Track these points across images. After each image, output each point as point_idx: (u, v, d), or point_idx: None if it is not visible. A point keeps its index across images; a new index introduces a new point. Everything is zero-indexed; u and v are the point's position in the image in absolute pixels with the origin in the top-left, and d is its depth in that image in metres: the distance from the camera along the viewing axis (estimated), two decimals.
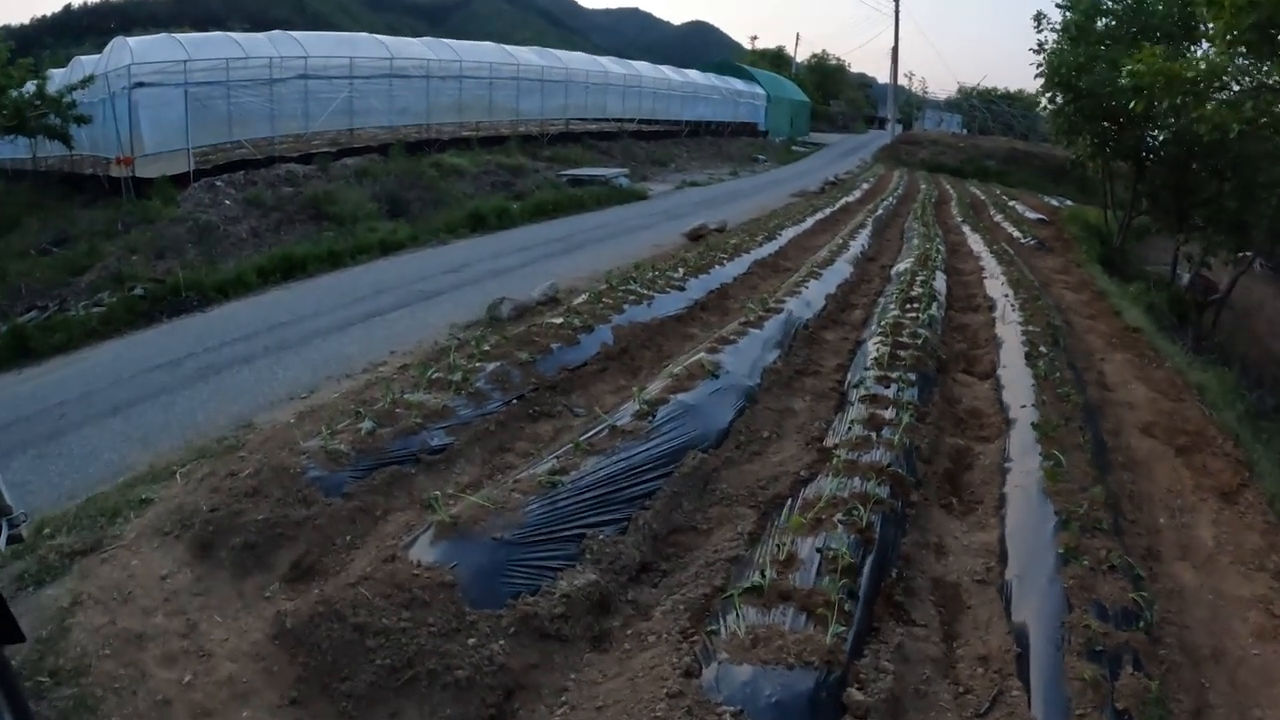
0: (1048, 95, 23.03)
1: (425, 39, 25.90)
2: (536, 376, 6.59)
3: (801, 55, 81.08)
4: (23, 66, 16.29)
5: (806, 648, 3.39)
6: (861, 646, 3.73)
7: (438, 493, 4.07)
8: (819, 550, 4.19)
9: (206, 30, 27.18)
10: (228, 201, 15.76)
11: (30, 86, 16.16)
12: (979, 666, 3.98)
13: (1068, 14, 21.31)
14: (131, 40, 18.00)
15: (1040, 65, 22.11)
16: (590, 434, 5.20)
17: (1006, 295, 11.69)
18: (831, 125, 67.87)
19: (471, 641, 3.43)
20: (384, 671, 3.30)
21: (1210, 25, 19.19)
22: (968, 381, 8.50)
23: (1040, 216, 26.11)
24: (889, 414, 6.32)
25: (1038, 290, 12.59)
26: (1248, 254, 19.70)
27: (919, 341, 8.31)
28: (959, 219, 22.38)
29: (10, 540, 3.10)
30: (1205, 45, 19.17)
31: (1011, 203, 29.68)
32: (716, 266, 11.43)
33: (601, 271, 12.34)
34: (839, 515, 4.57)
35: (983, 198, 31.03)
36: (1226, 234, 18.96)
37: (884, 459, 5.45)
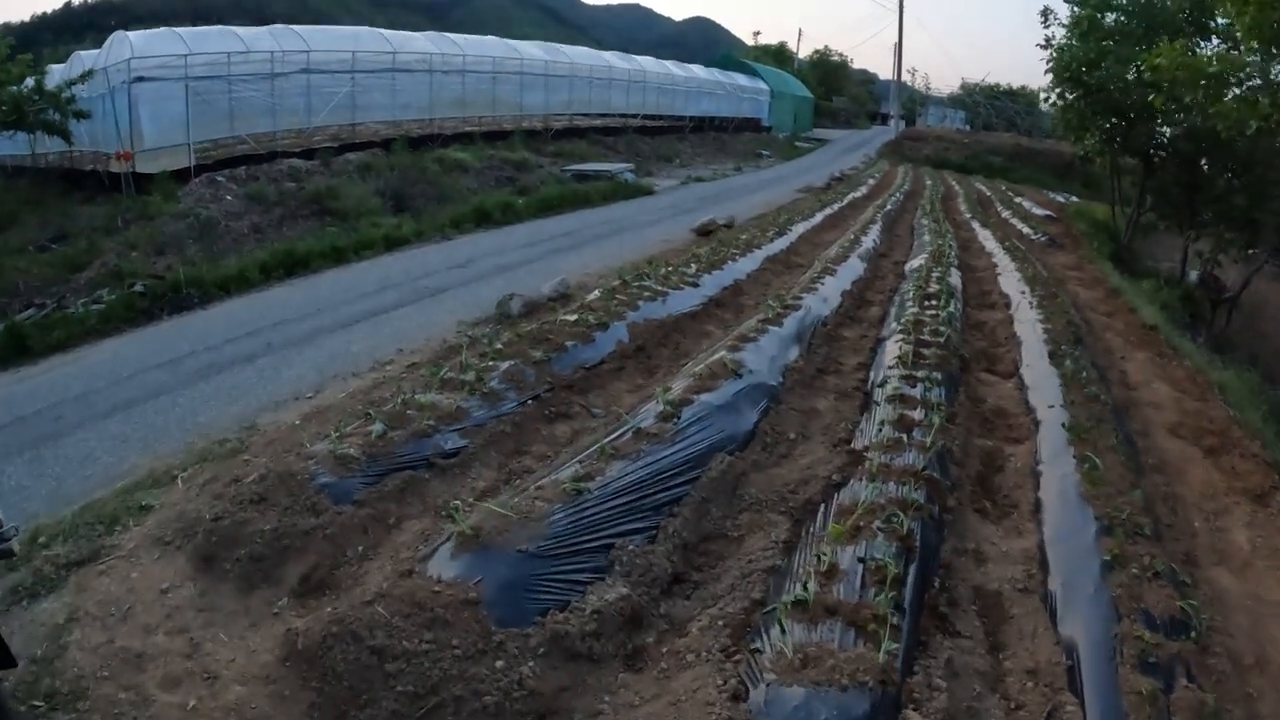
0: (1056, 91, 22.83)
1: (428, 33, 25.60)
2: (552, 376, 6.35)
3: (804, 51, 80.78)
4: (22, 62, 16.02)
5: (859, 667, 3.17)
6: (912, 663, 3.53)
7: (457, 502, 3.82)
8: (861, 560, 3.99)
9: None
10: (229, 197, 15.49)
11: (29, 82, 15.88)
12: (1029, 680, 3.80)
13: (1076, 9, 21.09)
14: (131, 34, 17.72)
15: (1049, 60, 21.94)
16: (613, 437, 4.95)
17: (1023, 292, 11.50)
18: (834, 121, 67.51)
19: (499, 664, 3.19)
20: (406, 699, 3.05)
21: (1224, 21, 19.10)
22: (991, 380, 8.28)
23: (1048, 213, 25.88)
24: (917, 415, 6.10)
25: (1055, 287, 12.39)
26: (1258, 252, 19.50)
27: (941, 340, 8.07)
28: (968, 215, 22.17)
29: (0, 555, 2.86)
30: (1216, 41, 19.03)
31: (1018, 199, 29.45)
32: (729, 262, 11.20)
33: (611, 267, 12.13)
34: (878, 522, 4.36)
35: (989, 194, 30.84)
36: (1237, 231, 18.76)
37: (918, 462, 5.24)
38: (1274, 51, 12.23)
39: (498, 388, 5.88)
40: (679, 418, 5.22)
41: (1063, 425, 6.36)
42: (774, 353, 7.11)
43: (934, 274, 11.44)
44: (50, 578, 4.09)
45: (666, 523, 4.27)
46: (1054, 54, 21.84)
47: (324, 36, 21.32)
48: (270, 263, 12.44)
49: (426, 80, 23.19)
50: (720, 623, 3.61)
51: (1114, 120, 21.61)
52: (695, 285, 9.57)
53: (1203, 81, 12.94)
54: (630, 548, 3.94)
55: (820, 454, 5.76)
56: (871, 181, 29.13)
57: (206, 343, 9.05)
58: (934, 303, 9.67)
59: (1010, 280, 12.67)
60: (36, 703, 3.21)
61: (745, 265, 11.48)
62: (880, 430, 5.76)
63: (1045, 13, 21.90)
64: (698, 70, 42.83)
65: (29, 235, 15.23)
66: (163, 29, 18.81)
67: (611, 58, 34.66)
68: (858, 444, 5.80)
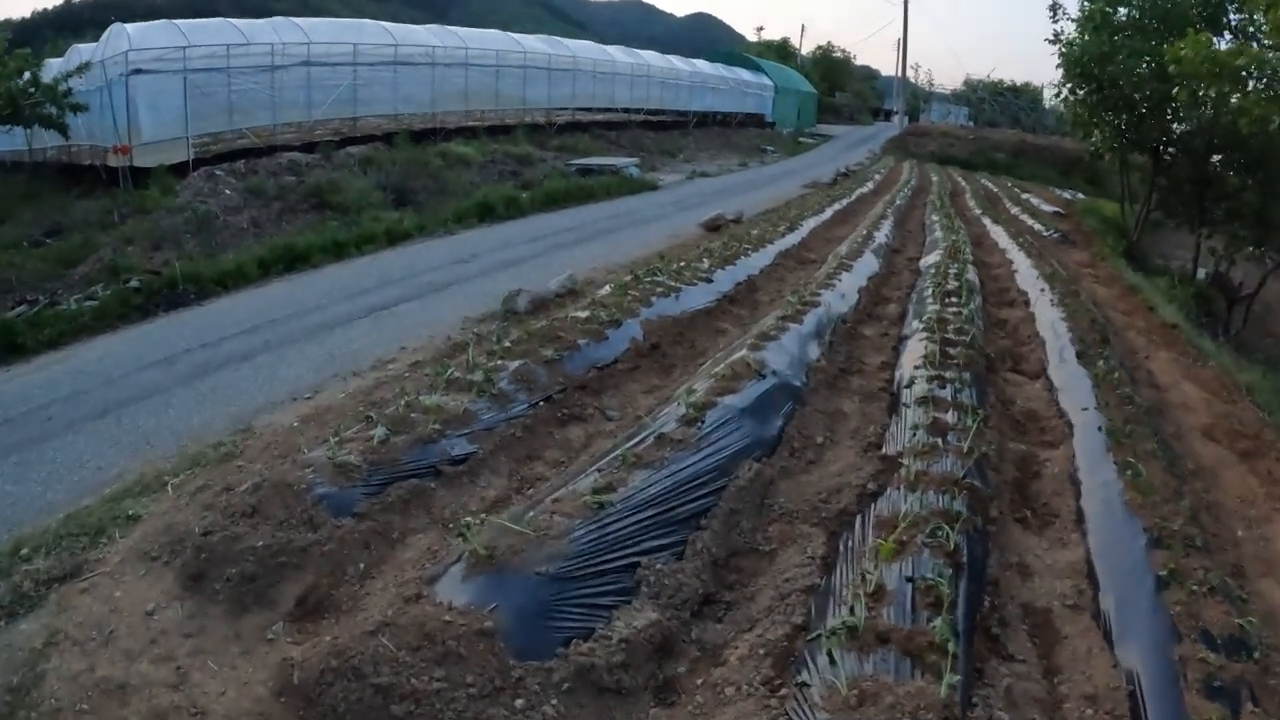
0: (1067, 86, 22.55)
1: (430, 26, 25.21)
2: (564, 376, 6.01)
3: (807, 47, 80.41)
4: (19, 57, 15.74)
5: (920, 703, 2.85)
6: (970, 694, 3.21)
7: (469, 519, 3.45)
8: (909, 580, 3.67)
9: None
10: (228, 191, 15.16)
11: (26, 76, 15.57)
12: (1088, 707, 3.53)
13: (1088, 3, 20.81)
14: (129, 27, 17.36)
15: (1060, 55, 21.65)
16: (633, 443, 4.61)
17: (1042, 290, 11.21)
18: (837, 117, 67.04)
19: (519, 703, 2.85)
20: None
21: (1239, 17, 18.82)
22: (1018, 381, 7.97)
23: (1056, 209, 25.59)
24: (950, 418, 5.77)
25: (1074, 285, 12.10)
26: (1267, 250, 19.27)
27: (967, 338, 7.76)
28: (978, 211, 21.88)
29: None
30: (1228, 36, 18.74)
31: (1025, 195, 29.20)
32: (742, 258, 10.87)
33: (618, 262, 11.82)
34: (922, 537, 4.04)
35: (995, 190, 30.58)
36: (1249, 229, 18.50)
37: (956, 470, 4.91)
38: None
39: (507, 389, 5.54)
40: (702, 422, 4.89)
41: (1099, 429, 6.07)
42: (796, 351, 6.78)
43: (951, 270, 11.12)
44: (30, 595, 3.77)
45: (694, 537, 3.94)
46: (1063, 49, 21.59)
47: (325, 28, 20.96)
48: (269, 258, 12.13)
49: (429, 73, 22.81)
50: (761, 651, 3.27)
51: (1125, 115, 21.33)
52: (709, 281, 9.24)
53: (1219, 73, 12.65)
54: (658, 566, 3.60)
55: (850, 459, 5.44)
56: (878, 177, 28.79)
57: (202, 340, 8.74)
58: (955, 300, 9.36)
59: (1027, 277, 12.40)
60: None
61: (758, 260, 11.16)
62: (914, 435, 5.43)
63: (1054, 7, 21.64)
64: (702, 65, 42.44)
65: (23, 230, 14.89)
66: (161, 21, 18.45)
67: (615, 52, 34.28)
68: (889, 449, 5.48)
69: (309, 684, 2.89)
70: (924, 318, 8.53)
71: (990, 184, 33.39)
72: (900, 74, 60.67)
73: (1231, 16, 19.81)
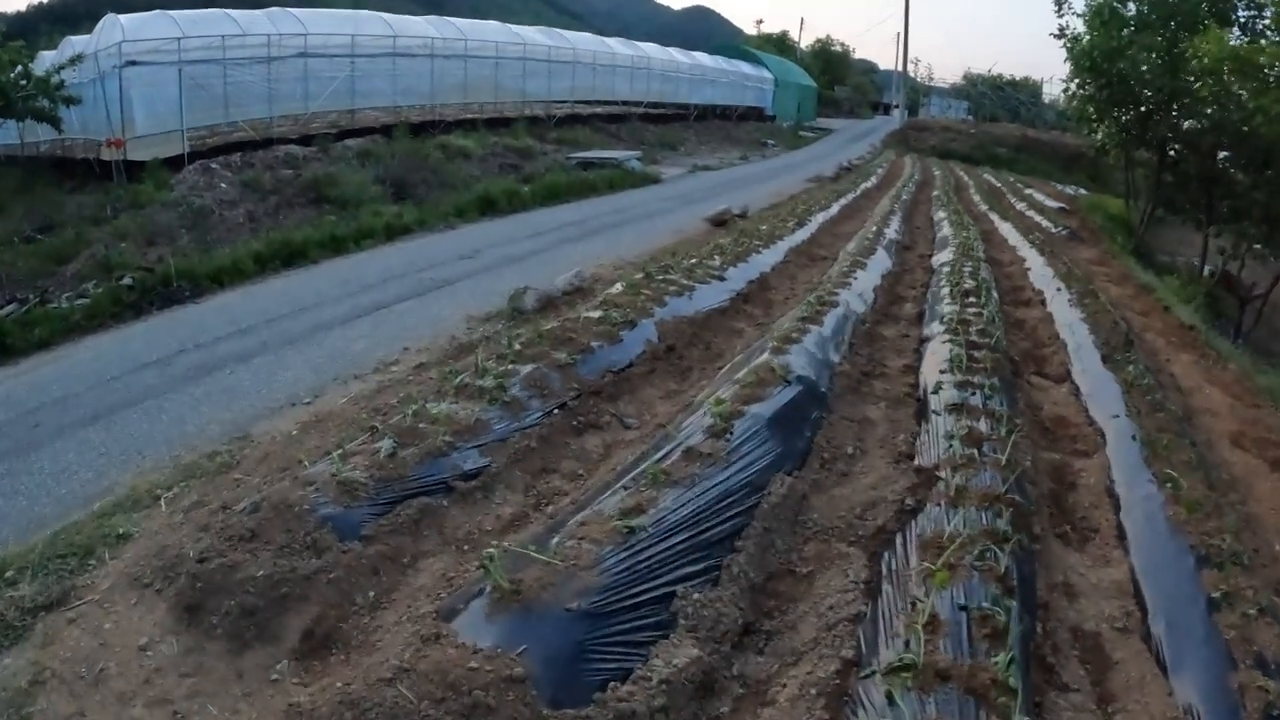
0: (1075, 81, 22.35)
1: (429, 17, 24.88)
2: (578, 381, 5.70)
3: (805, 40, 79.98)
4: (12, 49, 15.39)
5: None
6: None
7: (491, 551, 3.14)
8: (963, 609, 3.39)
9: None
10: (223, 184, 14.83)
11: (19, 68, 15.22)
12: None
13: None
14: (123, 17, 17.01)
15: (1066, 49, 21.48)
16: (660, 457, 4.31)
17: (1058, 289, 10.97)
18: (837, 111, 66.72)
19: None
20: None
21: (1248, 14, 18.64)
22: (1043, 385, 7.70)
23: (1061, 205, 25.33)
24: (983, 427, 5.49)
25: (1090, 284, 11.84)
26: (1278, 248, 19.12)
27: (991, 341, 7.48)
28: (984, 207, 21.63)
29: None
30: (1236, 32, 18.56)
31: (1028, 191, 28.98)
32: (753, 254, 10.59)
33: (625, 258, 11.53)
34: (971, 559, 3.76)
35: (999, 185, 30.40)
36: (1257, 227, 18.34)
37: (997, 484, 4.63)
38: None
39: (519, 395, 5.24)
40: (731, 433, 4.59)
41: (1133, 438, 5.84)
42: (818, 355, 6.49)
43: (966, 269, 10.85)
44: (14, 625, 3.47)
45: (729, 560, 3.64)
46: (1068, 43, 21.41)
47: (322, 19, 20.56)
48: (266, 253, 11.82)
49: (428, 65, 22.48)
50: (812, 690, 2.98)
51: (1133, 111, 21.13)
52: (721, 279, 8.94)
53: (1242, 70, 12.48)
54: (695, 596, 3.31)
55: (883, 471, 5.16)
56: (880, 171, 28.53)
57: (197, 340, 8.43)
58: (974, 300, 9.08)
59: (1040, 275, 12.18)
60: None
61: (769, 257, 10.87)
62: (950, 446, 5.14)
63: (1060, 1, 21.40)
64: (702, 57, 42.11)
65: (14, 226, 14.54)
66: (155, 11, 18.06)
67: (615, 44, 33.95)
68: (922, 460, 5.20)
69: None
70: (944, 318, 8.26)
71: (993, 179, 33.21)
72: (901, 68, 60.32)
73: (1240, 13, 19.64)
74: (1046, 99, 65.85)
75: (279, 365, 7.55)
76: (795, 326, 6.91)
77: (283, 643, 3.22)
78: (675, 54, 39.01)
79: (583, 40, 31.86)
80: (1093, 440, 6.27)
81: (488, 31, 25.87)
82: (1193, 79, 16.43)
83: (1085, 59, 20.81)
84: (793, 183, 23.61)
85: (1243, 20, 19.56)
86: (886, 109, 71.04)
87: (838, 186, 22.32)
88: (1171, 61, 19.26)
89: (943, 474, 4.78)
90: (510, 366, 5.67)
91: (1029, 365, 8.17)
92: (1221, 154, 19.76)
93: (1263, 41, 16.29)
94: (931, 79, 77.53)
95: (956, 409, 5.75)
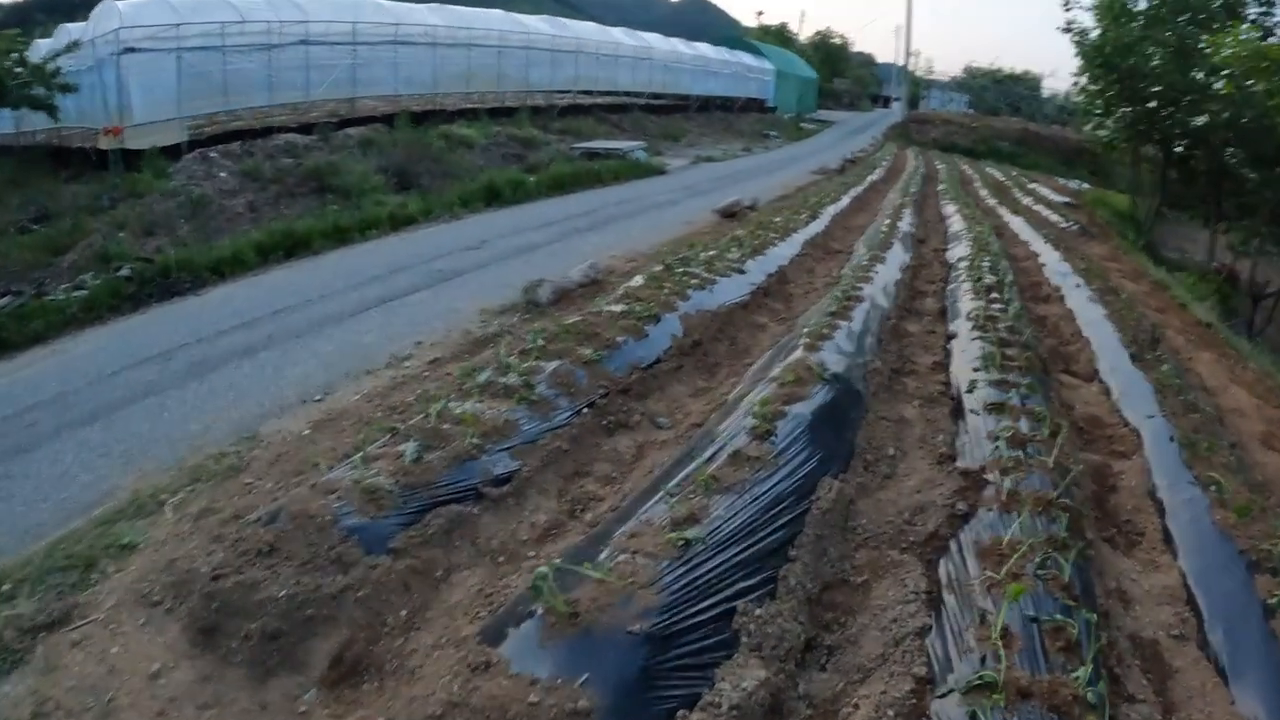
0: (1086, 75, 22.18)
1: (431, 4, 24.44)
2: (606, 378, 5.41)
3: (805, 33, 79.54)
4: (6, 37, 15.03)
5: None
6: None
7: (545, 569, 2.82)
8: (1033, 620, 3.19)
9: None
10: (223, 174, 14.49)
11: (15, 56, 14.86)
12: None
13: None
14: (120, 4, 16.58)
15: (1075, 43, 21.32)
16: (703, 461, 4.03)
17: (1077, 285, 10.74)
18: (837, 103, 66.41)
19: None
20: None
21: (1260, 10, 18.46)
22: (1072, 384, 7.46)
23: (1067, 200, 25.12)
24: (1024, 427, 5.25)
25: (1110, 281, 11.63)
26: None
27: (1022, 339, 7.24)
28: (992, 201, 21.43)
29: None
30: (1245, 27, 18.38)
31: (1032, 185, 28.77)
32: (770, 247, 10.31)
33: (637, 250, 11.26)
34: (1033, 568, 3.55)
35: (1003, 179, 30.18)
36: (1268, 225, 18.19)
37: (1048, 488, 4.40)
38: None
39: (546, 394, 4.95)
40: (775, 434, 4.32)
41: (1170, 439, 5.68)
42: (851, 351, 6.22)
43: (985, 264, 10.60)
44: (13, 648, 3.18)
45: (786, 571, 3.38)
46: (1075, 37, 21.24)
47: (323, 6, 20.13)
48: (267, 243, 11.49)
49: (430, 54, 22.11)
50: (890, 712, 2.73)
51: (1143, 106, 20.93)
52: (741, 272, 8.66)
53: (1265, 67, 12.26)
54: (757, 612, 3.04)
55: (926, 473, 4.90)
56: (885, 165, 28.26)
57: (199, 334, 8.12)
58: (997, 295, 8.84)
59: (1056, 271, 11.94)
60: None
61: (785, 250, 10.59)
62: (996, 447, 4.90)
63: None
64: (704, 48, 41.73)
65: (9, 216, 14.17)
66: None
67: (618, 34, 33.56)
68: (965, 462, 4.95)
69: None
70: (969, 315, 8.03)
71: (996, 172, 33.05)
72: (904, 60, 60.06)
73: (1252, 9, 19.45)
74: (1046, 93, 65.74)
75: (286, 360, 7.26)
76: (824, 322, 6.64)
77: (309, 670, 2.93)
78: (678, 44, 38.65)
79: (586, 30, 31.46)
80: (1129, 441, 6.08)
81: (491, 20, 25.47)
82: (1207, 75, 16.23)
83: (1097, 54, 20.59)
84: (798, 175, 23.35)
85: (1254, 17, 19.38)
86: (886, 101, 70.73)
87: (844, 179, 22.06)
88: (1182, 57, 19.08)
89: (990, 477, 4.57)
90: (535, 363, 5.39)
91: (1056, 363, 7.95)
92: (1230, 150, 19.61)
93: (1271, 39, 16.12)
94: (931, 72, 77.24)
95: (996, 409, 5.52)
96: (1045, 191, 26.79)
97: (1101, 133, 24.34)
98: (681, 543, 3.20)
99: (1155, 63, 19.55)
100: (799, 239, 11.53)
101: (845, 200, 16.98)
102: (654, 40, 36.33)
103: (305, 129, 17.46)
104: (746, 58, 46.35)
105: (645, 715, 2.58)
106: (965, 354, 6.95)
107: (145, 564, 3.59)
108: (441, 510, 3.75)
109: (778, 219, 13.03)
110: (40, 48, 16.75)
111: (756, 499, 3.68)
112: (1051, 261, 12.70)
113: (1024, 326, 7.73)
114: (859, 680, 3.06)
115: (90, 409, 6.32)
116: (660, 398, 5.68)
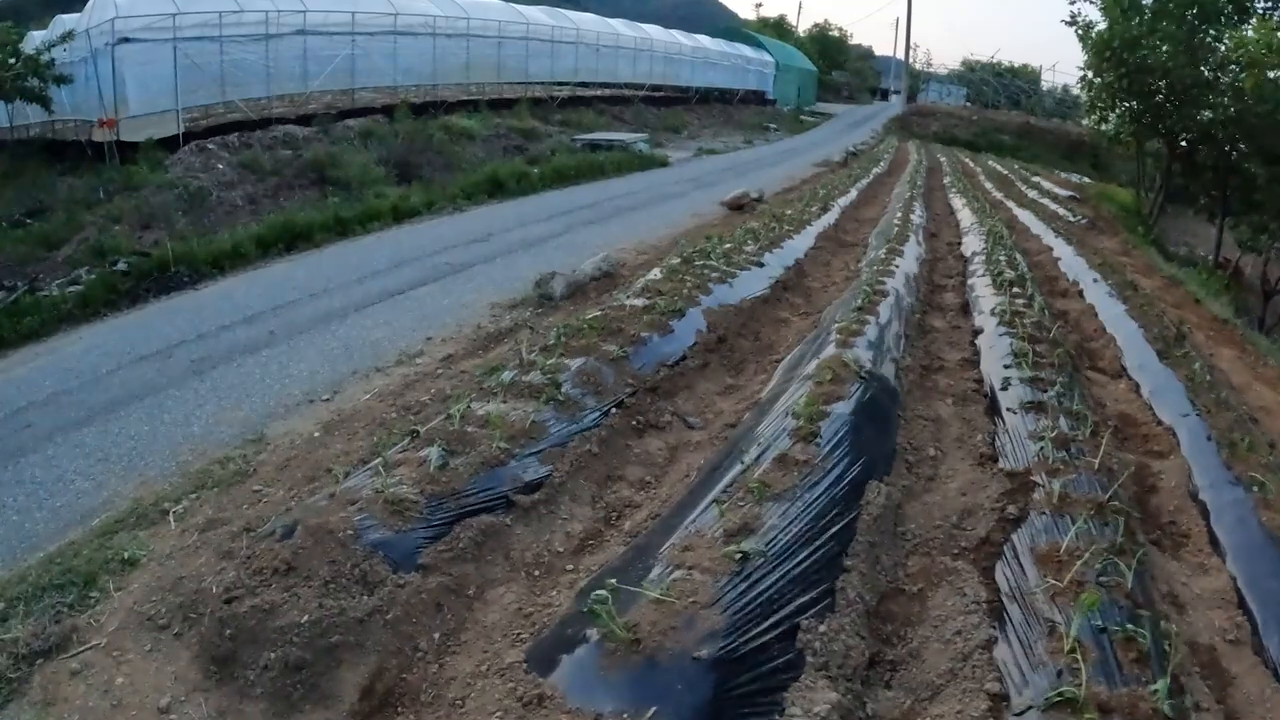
0: (1092, 69, 21.95)
1: None
2: (633, 376, 5.14)
3: (803, 25, 79.18)
4: (1, 29, 14.74)
5: None
6: None
7: (604, 591, 2.55)
8: (1102, 631, 2.99)
9: None
10: (221, 165, 14.20)
11: (8, 48, 14.58)
12: None
13: None
14: None
15: (1079, 36, 21.07)
16: (749, 465, 3.75)
17: (1095, 279, 10.48)
18: (836, 96, 66.11)
19: None
20: None
21: (1267, 4, 18.24)
22: (1100, 380, 7.22)
23: (1071, 194, 24.90)
24: (1065, 426, 5.01)
25: (1125, 275, 11.39)
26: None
27: (1050, 335, 7.01)
28: (999, 195, 21.24)
29: None
30: (1253, 23, 18.16)
31: (1035, 178, 28.53)
32: (786, 240, 10.05)
33: (647, 243, 11.01)
34: (1094, 574, 3.36)
35: (1006, 173, 29.94)
36: (1276, 220, 18.01)
37: (1097, 491, 4.17)
38: None
39: (573, 393, 4.68)
40: (819, 436, 4.06)
41: (1207, 438, 5.49)
42: (882, 347, 5.97)
43: (1001, 258, 10.36)
44: (8, 677, 2.90)
45: (843, 582, 3.12)
46: (1079, 30, 20.99)
47: None
48: (268, 236, 11.23)
49: (429, 44, 21.79)
50: None
51: (1152, 99, 20.70)
52: (759, 265, 8.40)
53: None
54: (820, 628, 2.78)
55: (968, 474, 4.66)
56: (888, 157, 28.06)
57: (199, 330, 7.85)
58: (1019, 290, 8.61)
59: (1071, 265, 11.66)
60: None
61: (800, 243, 10.35)
62: (1041, 448, 4.66)
63: None
64: (704, 40, 41.43)
65: (2, 210, 13.90)
66: None
67: (619, 25, 33.23)
68: (1008, 463, 4.71)
69: None
70: (994, 311, 7.78)
71: (999, 166, 32.82)
72: (905, 54, 59.75)
73: (1260, 4, 19.22)
74: (1045, 86, 65.48)
75: (291, 357, 6.99)
76: (853, 318, 6.38)
77: (339, 703, 2.63)
78: (678, 36, 38.35)
79: (586, 20, 31.09)
80: (1166, 440, 5.86)
81: (491, 10, 25.13)
82: (1218, 71, 16.02)
83: (1104, 47, 20.36)
84: (801, 167, 23.15)
85: (1262, 11, 19.17)
86: (885, 94, 70.45)
87: (849, 172, 21.87)
88: (1190, 51, 18.86)
89: (1037, 479, 4.34)
90: (558, 360, 5.12)
91: (1084, 360, 7.72)
92: (1235, 145, 19.44)
93: None
94: (930, 65, 76.86)
95: (1034, 408, 5.29)
96: (1049, 185, 26.57)
97: (1106, 126, 24.11)
98: (739, 556, 2.94)
99: (1164, 57, 19.29)
100: (812, 231, 11.28)
101: (853, 193, 16.79)
102: (654, 31, 36.02)
103: (303, 120, 17.22)
104: (746, 50, 46.07)
105: None
106: (994, 350, 6.73)
107: (149, 581, 3.31)
108: (471, 521, 3.46)
109: (789, 211, 12.78)
110: (34, 39, 16.46)
111: (808, 505, 3.42)
112: (1066, 255, 12.46)
113: (1050, 323, 7.50)
114: (928, 698, 2.82)
115: (86, 410, 6.03)
116: (689, 396, 5.42)
